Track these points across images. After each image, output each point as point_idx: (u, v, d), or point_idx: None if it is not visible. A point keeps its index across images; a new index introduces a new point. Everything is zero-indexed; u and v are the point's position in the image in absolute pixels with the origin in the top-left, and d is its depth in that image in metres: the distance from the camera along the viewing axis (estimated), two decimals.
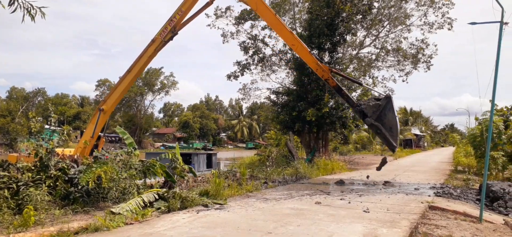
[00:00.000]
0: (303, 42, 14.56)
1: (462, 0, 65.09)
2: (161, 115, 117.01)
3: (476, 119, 22.54)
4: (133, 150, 10.69)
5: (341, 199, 10.13)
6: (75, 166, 9.33)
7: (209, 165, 22.84)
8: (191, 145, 74.38)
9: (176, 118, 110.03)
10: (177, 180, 11.62)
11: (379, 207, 8.87)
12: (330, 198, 10.29)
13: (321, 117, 20.71)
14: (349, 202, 9.61)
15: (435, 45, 25.36)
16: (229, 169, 18.57)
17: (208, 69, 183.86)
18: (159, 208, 8.21)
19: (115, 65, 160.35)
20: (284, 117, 22.38)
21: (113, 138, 67.61)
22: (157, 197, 8.66)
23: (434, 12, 24.39)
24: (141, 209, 7.66)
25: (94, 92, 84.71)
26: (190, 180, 13.43)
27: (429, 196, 11.14)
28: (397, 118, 12.58)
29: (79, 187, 8.30)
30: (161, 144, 79.84)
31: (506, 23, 8.99)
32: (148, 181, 10.58)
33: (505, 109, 19.67)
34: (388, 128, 12.31)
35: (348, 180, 15.70)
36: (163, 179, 11.12)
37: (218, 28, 26.37)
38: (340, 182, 14.49)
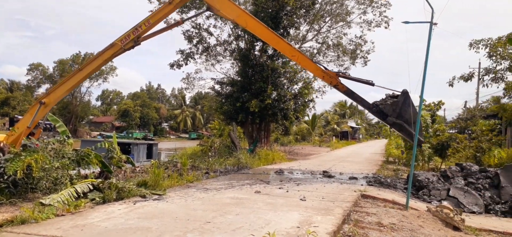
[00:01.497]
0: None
1: (399, 0, 68.90)
2: (99, 103, 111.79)
3: None
4: (66, 138, 10.15)
5: (280, 188, 10.41)
6: (1, 154, 8.68)
7: (150, 155, 22.28)
8: (131, 135, 71.82)
9: (115, 106, 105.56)
10: (114, 170, 11.22)
11: (315, 196, 9.24)
12: (270, 187, 10.53)
13: (264, 108, 21.05)
14: (288, 191, 9.91)
15: (373, 43, 26.86)
16: (170, 159, 18.28)
17: (150, 57, 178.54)
18: (93, 199, 7.90)
19: (49, 49, 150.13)
20: (228, 108, 22.44)
21: (46, 125, 63.42)
22: (91, 188, 8.32)
23: (372, 11, 25.67)
24: (74, 200, 7.31)
25: (25, 77, 78.61)
26: (128, 170, 13.03)
27: (362, 185, 11.80)
28: (416, 111, 11.85)
29: (5, 177, 7.74)
30: (98, 133, 76.24)
31: (436, 24, 9.68)
32: (82, 171, 10.10)
33: (432, 105, 21.26)
34: (412, 123, 11.74)
35: (288, 169, 16.15)
36: (99, 169, 10.70)
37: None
38: (280, 172, 14.87)
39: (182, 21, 14.36)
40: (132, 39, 12.39)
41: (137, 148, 21.35)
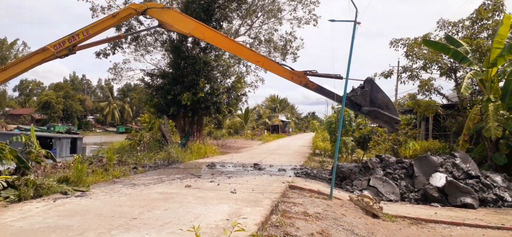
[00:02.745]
0: None
1: (326, 0, 71.89)
2: (17, 93, 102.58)
3: (332, 108, 25.36)
4: None
5: (211, 182, 10.39)
6: None
7: (73, 150, 21.08)
8: (53, 128, 66.86)
9: (35, 98, 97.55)
10: (32, 166, 10.40)
11: (245, 188, 9.37)
12: (201, 181, 10.46)
13: (196, 102, 20.78)
14: (218, 184, 9.92)
15: (302, 39, 27.82)
16: (95, 154, 17.37)
17: None
18: (7, 197, 7.25)
19: None
20: (159, 101, 21.80)
21: None
22: (5, 185, 7.62)
23: (302, 8, 26.50)
24: None
25: None
26: (49, 166, 12.16)
27: (290, 176, 12.19)
28: (385, 94, 12.30)
29: None
30: (16, 126, 69.92)
31: (359, 23, 10.27)
32: None
33: None
34: (385, 106, 12.00)
35: (220, 163, 16.17)
36: (15, 165, 9.85)
37: (87, 1, 24.13)
38: (212, 165, 14.84)
39: (123, 35, 13.58)
40: (67, 47, 11.55)
41: (60, 142, 20.10)
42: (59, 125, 73.07)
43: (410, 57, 19.65)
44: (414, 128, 24.19)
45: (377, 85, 12.19)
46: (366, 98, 12.01)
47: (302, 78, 12.36)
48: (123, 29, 22.63)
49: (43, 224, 5.64)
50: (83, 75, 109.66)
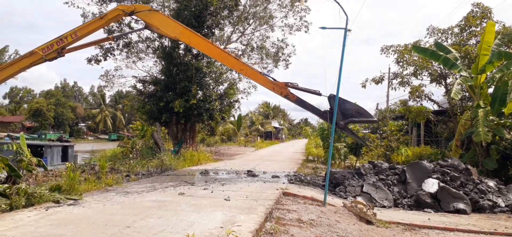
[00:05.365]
0: None
1: (318, 7, 72.37)
2: (7, 101, 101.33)
3: None
4: None
5: (204, 189, 10.36)
6: None
7: (65, 158, 20.85)
8: (44, 136, 66.16)
9: (25, 105, 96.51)
10: (23, 175, 10.29)
11: (239, 195, 9.36)
12: (194, 189, 10.43)
13: (189, 108, 20.74)
14: (212, 192, 9.90)
15: (293, 46, 27.97)
16: (87, 162, 17.22)
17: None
18: None
19: None
20: (151, 108, 21.70)
21: None
22: None
23: (293, 16, 26.68)
24: None
25: None
26: (40, 174, 12.06)
27: (283, 183, 12.20)
28: (353, 102, 12.49)
29: None
30: (6, 134, 69.07)
31: (350, 30, 10.40)
32: None
33: None
34: (357, 113, 12.16)
35: (213, 170, 16.13)
36: (6, 173, 9.73)
37: (78, 7, 24.04)
38: (205, 172, 14.80)
39: (112, 38, 13.61)
40: (56, 50, 11.49)
41: (51, 150, 19.88)
42: (51, 132, 72.29)
43: (400, 63, 19.87)
44: (406, 134, 24.39)
45: (341, 98, 12.25)
46: (338, 114, 12.07)
47: (283, 89, 12.54)
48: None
49: (36, 233, 5.58)
50: (75, 82, 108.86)
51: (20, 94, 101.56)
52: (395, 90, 21.27)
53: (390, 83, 21.55)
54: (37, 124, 78.96)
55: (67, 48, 11.74)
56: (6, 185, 8.21)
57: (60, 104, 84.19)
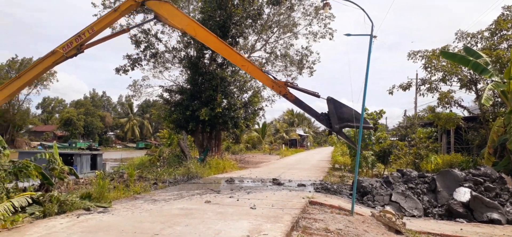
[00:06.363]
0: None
1: (341, 13, 71.81)
2: (39, 111, 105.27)
3: None
4: (1, 149, 9.48)
5: (230, 197, 10.39)
6: None
7: (94, 166, 21.38)
8: (74, 144, 68.25)
9: (57, 115, 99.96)
10: (55, 183, 10.65)
11: (265, 204, 9.33)
12: (220, 197, 10.48)
13: (214, 117, 20.95)
14: (238, 200, 9.92)
15: (318, 53, 27.79)
16: (116, 170, 17.62)
17: (93, 62, 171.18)
18: (33, 213, 7.41)
19: None
20: (177, 116, 22.06)
21: None
22: (30, 201, 7.78)
23: (318, 23, 26.58)
24: (11, 214, 6.82)
25: None
26: (71, 182, 12.42)
27: (309, 192, 12.09)
28: (350, 106, 12.34)
29: None
30: (39, 142, 71.69)
31: (375, 37, 10.22)
32: (20, 184, 9.48)
33: (374, 113, 22.30)
34: (353, 118, 12.01)
35: (238, 178, 16.17)
36: (39, 181, 10.09)
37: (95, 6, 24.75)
38: (230, 181, 14.85)
39: (128, 29, 13.98)
40: (75, 46, 11.84)
41: (80, 159, 20.43)
42: (81, 141, 74.60)
43: (428, 69, 19.41)
44: (435, 141, 23.74)
45: (339, 102, 12.23)
46: (333, 117, 12.11)
47: (282, 88, 12.54)
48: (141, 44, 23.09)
49: None
50: (103, 92, 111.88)
51: (52, 104, 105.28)
52: (423, 96, 20.81)
53: (418, 89, 21.09)
54: (67, 133, 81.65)
55: (85, 44, 12.08)
56: (40, 193, 8.51)
57: (90, 114, 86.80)
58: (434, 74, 19.41)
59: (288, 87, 12.68)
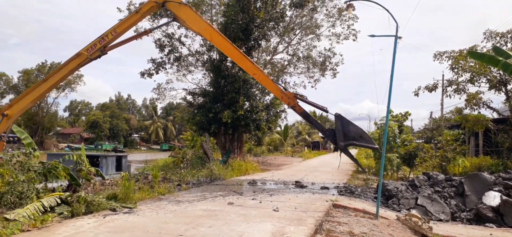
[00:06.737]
0: None
1: (364, 14, 71.09)
2: (67, 114, 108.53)
3: (375, 123, 24.73)
4: (32, 150, 9.81)
5: (253, 199, 10.41)
6: None
7: (119, 167, 21.81)
8: (100, 146, 69.94)
9: (83, 117, 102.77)
10: (82, 183, 10.93)
11: (287, 206, 9.30)
12: (243, 198, 10.51)
13: (236, 119, 21.05)
14: (260, 202, 9.92)
15: (341, 55, 27.53)
16: (141, 171, 17.93)
17: (118, 66, 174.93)
18: (61, 213, 7.63)
19: (11, 58, 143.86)
20: (200, 119, 22.29)
21: (10, 138, 60.74)
22: (59, 202, 8.03)
23: (341, 24, 26.33)
24: (41, 214, 7.05)
25: None
26: (97, 183, 12.71)
27: (333, 194, 11.98)
28: (357, 125, 12.13)
29: None
30: (66, 145, 73.86)
31: (400, 38, 10.05)
32: (49, 184, 9.79)
33: (399, 115, 21.91)
34: (359, 137, 11.87)
35: (261, 180, 16.18)
36: (67, 182, 10.39)
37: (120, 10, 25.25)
38: (253, 183, 14.88)
39: (150, 31, 14.21)
40: (99, 48, 12.12)
41: (106, 161, 20.86)
42: (106, 143, 76.33)
43: (455, 70, 18.94)
44: (463, 143, 23.09)
45: (346, 119, 11.94)
46: (339, 134, 11.80)
47: (291, 100, 12.28)
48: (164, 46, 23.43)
49: None
50: (128, 95, 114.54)
51: (79, 107, 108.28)
52: (450, 97, 20.31)
53: (445, 90, 20.58)
54: (94, 135, 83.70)
55: (109, 45, 12.31)
56: (68, 193, 8.75)
57: (115, 116, 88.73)
58: (462, 75, 18.93)
59: (298, 100, 12.60)
